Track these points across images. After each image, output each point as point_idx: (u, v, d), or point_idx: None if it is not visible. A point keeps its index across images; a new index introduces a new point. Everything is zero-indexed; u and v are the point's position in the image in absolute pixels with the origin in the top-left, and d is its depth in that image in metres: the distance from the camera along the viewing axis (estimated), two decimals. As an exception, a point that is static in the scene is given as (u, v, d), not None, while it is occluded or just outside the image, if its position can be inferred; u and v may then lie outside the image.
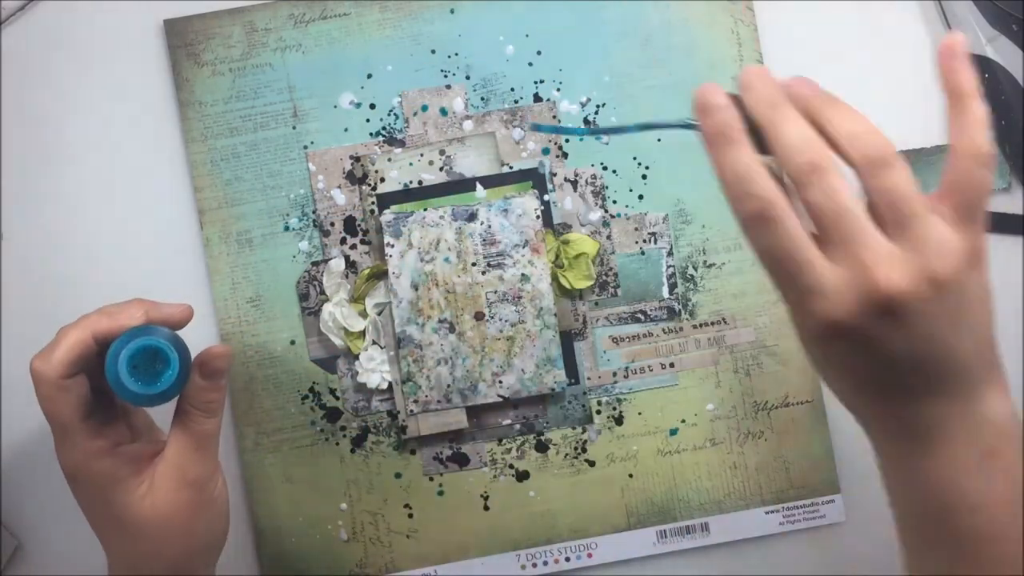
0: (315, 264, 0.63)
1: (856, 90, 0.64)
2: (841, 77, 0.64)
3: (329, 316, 0.63)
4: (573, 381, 0.63)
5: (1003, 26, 0.61)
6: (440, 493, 0.64)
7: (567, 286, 0.63)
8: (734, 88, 0.46)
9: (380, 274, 0.63)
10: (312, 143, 0.63)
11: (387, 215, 0.62)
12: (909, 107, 0.64)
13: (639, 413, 0.64)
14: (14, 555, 0.63)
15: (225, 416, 0.63)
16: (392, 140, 0.63)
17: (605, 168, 0.64)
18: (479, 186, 0.63)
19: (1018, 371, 0.64)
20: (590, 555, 0.64)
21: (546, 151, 0.64)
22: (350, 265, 0.63)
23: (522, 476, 0.64)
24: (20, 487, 0.64)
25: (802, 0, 0.64)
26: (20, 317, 0.64)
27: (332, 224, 0.63)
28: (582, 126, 0.64)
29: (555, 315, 0.62)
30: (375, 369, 0.63)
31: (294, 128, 0.63)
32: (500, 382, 0.62)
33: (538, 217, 0.62)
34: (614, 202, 0.64)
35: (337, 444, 0.63)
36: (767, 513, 0.64)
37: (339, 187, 0.63)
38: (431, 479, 0.64)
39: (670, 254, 0.64)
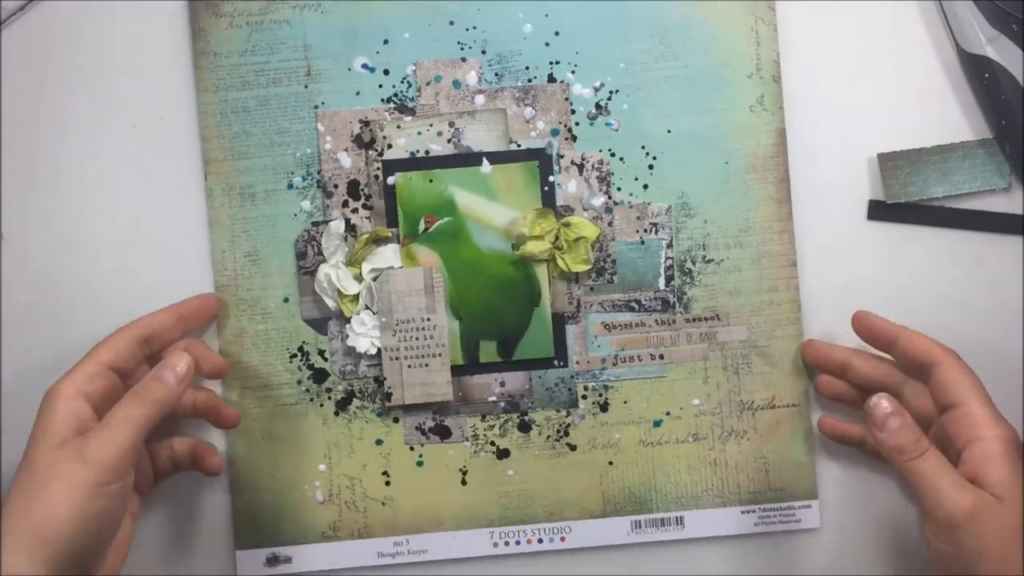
0: (315, 224, 0.63)
1: (856, 87, 0.64)
2: (842, 74, 0.64)
3: (324, 277, 0.63)
4: (561, 364, 0.63)
5: (1003, 26, 0.61)
6: (419, 464, 0.64)
7: (564, 268, 0.63)
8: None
9: (379, 240, 0.63)
10: (323, 103, 0.63)
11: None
12: (908, 106, 0.64)
13: (625, 402, 0.64)
14: None
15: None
16: (403, 108, 0.63)
17: (613, 155, 0.64)
18: (485, 161, 0.63)
19: (1019, 371, 0.64)
20: (563, 539, 0.64)
21: (555, 132, 0.64)
22: (350, 228, 0.63)
23: (502, 454, 0.64)
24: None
25: (824, 0, 0.64)
26: (20, 316, 0.64)
27: (336, 186, 0.63)
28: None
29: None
30: (365, 334, 0.63)
31: (306, 87, 0.63)
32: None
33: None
34: (618, 189, 0.64)
35: (321, 405, 0.63)
36: (743, 512, 0.64)
37: (346, 150, 0.63)
38: (412, 449, 0.64)
39: (670, 246, 0.64)
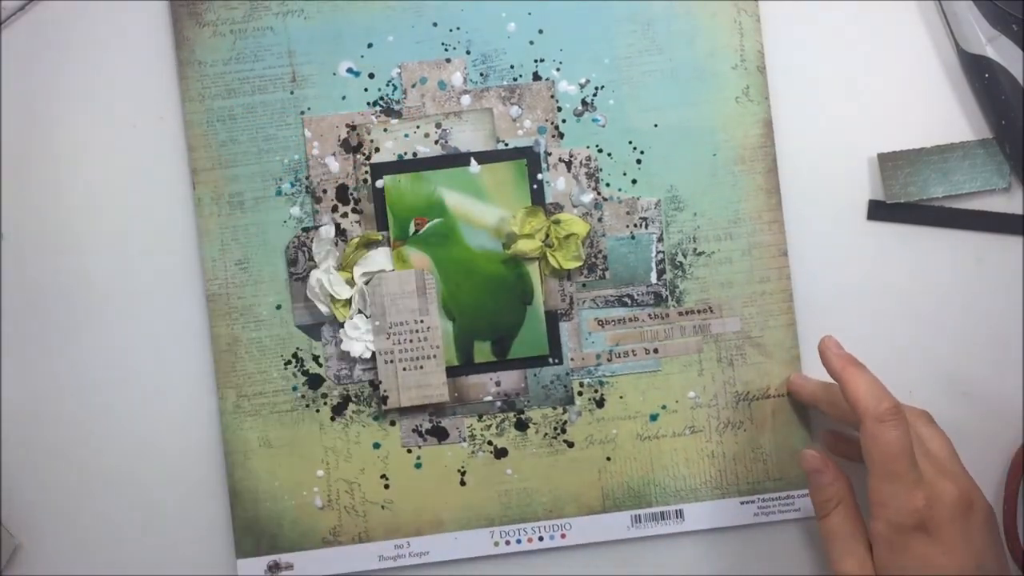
0: (305, 230, 0.63)
1: (856, 87, 0.65)
2: (841, 74, 0.65)
3: (316, 282, 0.63)
4: (556, 361, 0.63)
5: (1003, 26, 0.61)
6: (417, 466, 0.64)
7: (556, 266, 0.63)
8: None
9: (369, 243, 0.63)
10: (309, 109, 0.63)
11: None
12: (908, 106, 0.65)
13: (620, 397, 0.64)
14: (14, 555, 0.63)
15: (206, 378, 0.63)
16: (389, 111, 0.63)
17: (600, 151, 0.64)
18: (473, 161, 0.63)
19: (1019, 371, 0.64)
20: (563, 535, 0.64)
21: (542, 130, 0.64)
22: (340, 233, 0.63)
23: (500, 453, 0.64)
24: (20, 487, 0.63)
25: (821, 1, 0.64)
26: (20, 316, 0.64)
27: (324, 191, 0.63)
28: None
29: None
30: (359, 338, 0.63)
31: (292, 93, 0.63)
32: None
33: (530, 195, 0.62)
34: (607, 185, 0.64)
35: (317, 411, 0.63)
36: (742, 503, 0.64)
37: (333, 154, 0.63)
38: (409, 451, 0.64)
39: (660, 240, 0.64)
